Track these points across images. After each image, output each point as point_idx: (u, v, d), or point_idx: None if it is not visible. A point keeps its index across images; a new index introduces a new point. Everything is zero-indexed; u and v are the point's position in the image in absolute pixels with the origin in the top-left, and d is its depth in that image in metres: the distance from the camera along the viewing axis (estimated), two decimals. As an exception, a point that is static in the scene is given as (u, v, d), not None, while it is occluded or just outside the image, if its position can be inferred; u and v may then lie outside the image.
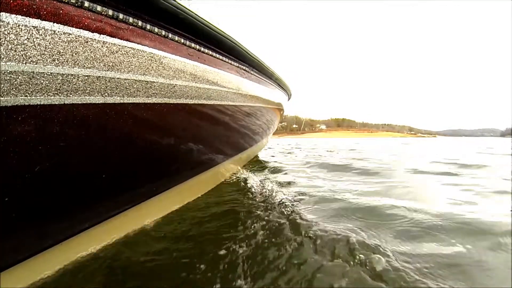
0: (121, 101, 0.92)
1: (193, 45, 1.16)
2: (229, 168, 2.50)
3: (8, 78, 0.62)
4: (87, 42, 0.75)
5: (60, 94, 0.73)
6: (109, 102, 0.88)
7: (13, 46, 0.61)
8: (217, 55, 1.37)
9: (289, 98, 3.89)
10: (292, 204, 1.76)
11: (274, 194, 2.03)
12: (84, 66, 0.76)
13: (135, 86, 0.95)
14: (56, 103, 0.73)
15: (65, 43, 0.70)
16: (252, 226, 1.37)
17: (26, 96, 0.66)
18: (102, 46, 0.79)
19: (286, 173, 3.25)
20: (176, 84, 1.13)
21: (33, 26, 0.63)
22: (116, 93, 0.89)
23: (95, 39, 0.77)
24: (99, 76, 0.82)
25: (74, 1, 0.69)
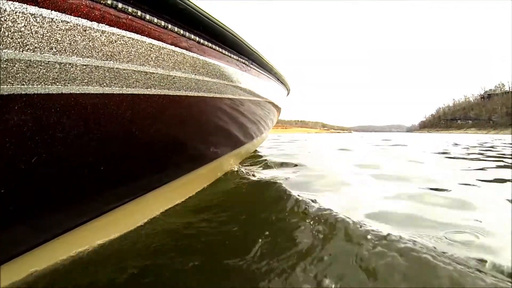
0: (120, 92, 0.91)
1: (192, 36, 1.15)
2: (229, 162, 2.50)
3: (4, 66, 0.60)
4: (85, 30, 0.74)
5: (57, 83, 0.72)
6: (108, 92, 0.87)
7: (10, 33, 0.59)
8: (217, 48, 1.35)
9: (288, 93, 3.87)
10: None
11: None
12: (83, 55, 0.75)
13: (134, 76, 0.94)
14: (54, 92, 0.72)
15: (63, 31, 0.69)
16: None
17: (23, 84, 0.65)
18: (100, 35, 0.78)
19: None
20: (175, 76, 1.12)
21: (30, 13, 0.62)
22: (115, 83, 0.88)
23: (93, 28, 0.76)
24: (98, 66, 0.81)
25: None
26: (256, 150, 4.53)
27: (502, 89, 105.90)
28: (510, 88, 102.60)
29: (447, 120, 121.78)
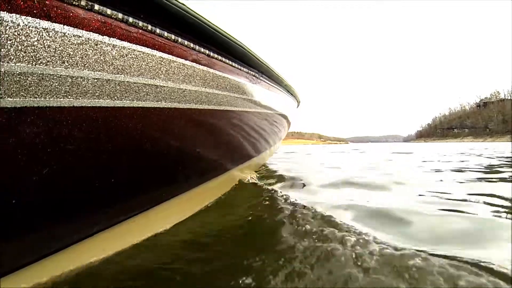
0: (131, 105, 0.92)
1: (202, 49, 1.16)
2: (238, 175, 2.47)
3: (17, 79, 0.61)
4: (96, 45, 0.75)
5: (69, 97, 0.73)
6: (119, 105, 0.88)
7: (23, 47, 0.61)
8: (227, 60, 1.36)
9: (298, 105, 3.86)
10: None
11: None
12: (94, 68, 0.76)
13: (144, 89, 0.94)
14: (65, 105, 0.73)
15: (75, 45, 0.70)
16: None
17: (36, 97, 0.66)
18: (111, 49, 0.79)
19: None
20: (185, 89, 1.12)
21: (43, 28, 0.63)
22: (125, 96, 0.88)
23: (104, 42, 0.77)
24: (109, 79, 0.81)
25: (84, 4, 0.70)
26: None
27: (498, 97, 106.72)
28: (506, 96, 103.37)
29: (443, 129, 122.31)
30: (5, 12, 0.56)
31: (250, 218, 1.60)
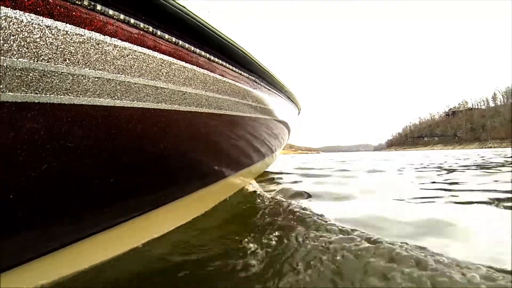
0: (131, 105, 0.92)
1: (203, 53, 1.17)
2: (238, 181, 2.46)
3: (19, 74, 0.62)
4: (98, 44, 0.76)
5: (69, 94, 0.74)
6: (118, 105, 0.88)
7: (25, 43, 0.62)
8: (228, 65, 1.37)
9: (299, 113, 3.86)
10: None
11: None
12: (95, 67, 0.77)
13: (144, 90, 0.95)
14: (66, 102, 0.73)
15: (77, 44, 0.71)
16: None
17: (37, 93, 0.67)
18: (113, 49, 0.80)
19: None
20: (185, 91, 1.13)
21: (46, 25, 0.64)
22: (125, 96, 0.89)
23: (106, 41, 0.78)
24: (109, 79, 0.82)
25: (86, 4, 0.71)
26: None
27: (466, 106, 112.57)
28: (474, 105, 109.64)
29: (414, 137, 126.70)
30: (9, 8, 0.58)
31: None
